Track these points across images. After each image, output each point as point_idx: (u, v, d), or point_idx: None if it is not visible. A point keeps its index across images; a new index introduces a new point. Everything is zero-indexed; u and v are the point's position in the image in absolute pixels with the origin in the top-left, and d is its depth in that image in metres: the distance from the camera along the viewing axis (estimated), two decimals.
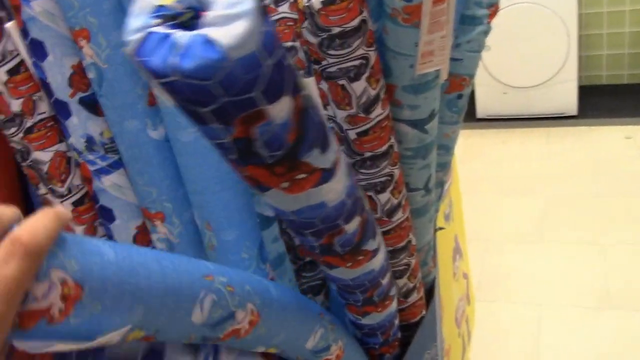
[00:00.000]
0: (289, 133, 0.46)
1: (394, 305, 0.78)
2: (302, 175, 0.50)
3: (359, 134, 0.68)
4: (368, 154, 0.70)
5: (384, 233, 0.77)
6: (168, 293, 0.49)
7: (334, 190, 0.54)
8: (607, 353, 1.76)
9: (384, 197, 0.74)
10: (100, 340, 0.45)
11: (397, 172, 0.73)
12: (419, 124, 0.74)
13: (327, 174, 0.52)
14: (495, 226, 2.44)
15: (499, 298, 2.05)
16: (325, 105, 0.68)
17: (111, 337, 0.45)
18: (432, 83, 0.72)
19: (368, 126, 0.68)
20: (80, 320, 0.42)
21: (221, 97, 0.41)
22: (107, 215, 0.72)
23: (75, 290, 0.41)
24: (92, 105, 0.68)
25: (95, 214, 0.74)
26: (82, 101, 0.68)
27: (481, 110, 3.28)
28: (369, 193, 0.74)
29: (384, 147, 0.70)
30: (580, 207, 2.47)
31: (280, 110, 0.44)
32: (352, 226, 0.59)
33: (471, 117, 3.27)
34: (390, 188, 0.74)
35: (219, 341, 0.58)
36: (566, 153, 2.91)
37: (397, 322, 0.82)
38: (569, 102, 3.16)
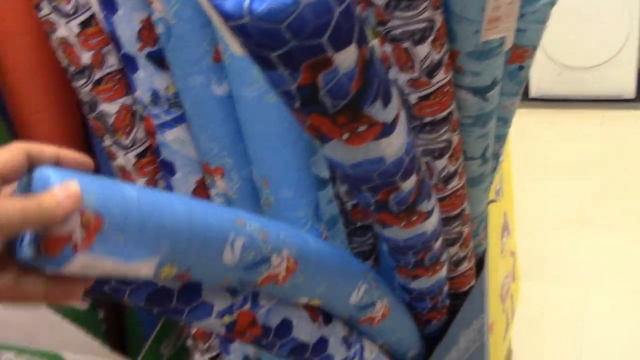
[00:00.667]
0: (353, 83, 0.46)
1: (444, 271, 0.79)
2: (363, 127, 0.50)
3: (420, 98, 0.68)
4: (428, 119, 0.70)
5: (439, 200, 0.77)
6: (194, 231, 0.51)
7: (393, 145, 0.54)
8: None
9: (441, 163, 0.74)
10: (131, 268, 0.46)
11: (455, 138, 0.73)
12: (480, 92, 0.73)
13: (387, 128, 0.52)
14: (544, 207, 2.40)
15: (545, 279, 2.02)
16: (388, 69, 0.68)
17: (141, 267, 0.47)
18: (496, 50, 0.71)
19: (430, 91, 0.67)
20: (105, 249, 0.44)
21: (290, 41, 0.42)
22: (168, 168, 0.74)
23: (95, 221, 0.43)
24: (159, 60, 0.70)
25: (156, 167, 0.76)
26: (149, 56, 0.70)
27: (535, 89, 3.21)
28: (426, 159, 0.74)
29: (444, 113, 0.70)
30: (633, 192, 2.41)
31: (346, 58, 0.45)
32: (409, 184, 0.60)
33: (524, 96, 3.19)
34: (448, 155, 0.74)
35: (257, 287, 0.60)
36: (621, 137, 2.83)
37: (446, 288, 0.82)
38: (627, 85, 3.06)
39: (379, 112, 0.50)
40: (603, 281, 1.98)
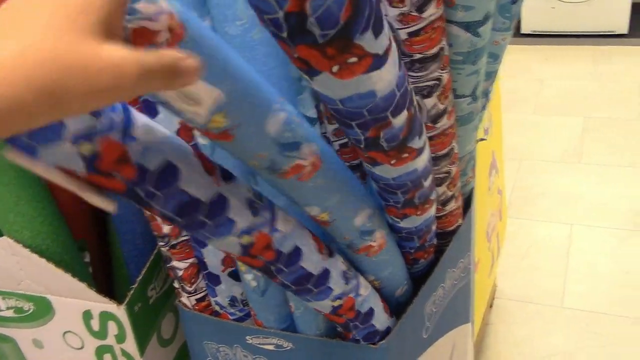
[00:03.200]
0: (343, 10, 0.44)
1: (433, 210, 0.78)
2: (354, 59, 0.48)
3: (410, 34, 0.66)
4: (417, 56, 0.68)
5: (428, 139, 0.76)
6: (251, 84, 0.52)
7: (384, 79, 0.52)
8: (636, 275, 1.76)
9: (430, 101, 0.72)
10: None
11: (445, 76, 0.71)
12: (472, 27, 0.71)
13: (378, 61, 0.50)
14: (533, 145, 2.40)
15: (531, 216, 2.04)
16: (378, 2, 0.66)
17: (203, 96, 0.47)
18: None
19: (420, 26, 0.65)
20: None
21: None
22: (150, 108, 0.72)
23: (179, 29, 0.43)
24: None
25: (139, 108, 0.74)
26: None
27: (526, 25, 3.16)
28: (415, 97, 0.72)
29: (435, 49, 0.68)
30: (622, 129, 2.41)
31: None
32: (399, 121, 0.58)
33: (515, 32, 3.15)
34: (438, 93, 0.72)
35: (282, 177, 0.58)
36: (612, 73, 2.81)
37: (434, 227, 0.82)
38: (620, 19, 3.02)
39: (370, 43, 0.48)
40: (589, 217, 2.00)
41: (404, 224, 0.76)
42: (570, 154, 2.31)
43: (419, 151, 0.65)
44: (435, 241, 0.85)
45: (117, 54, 0.32)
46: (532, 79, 2.85)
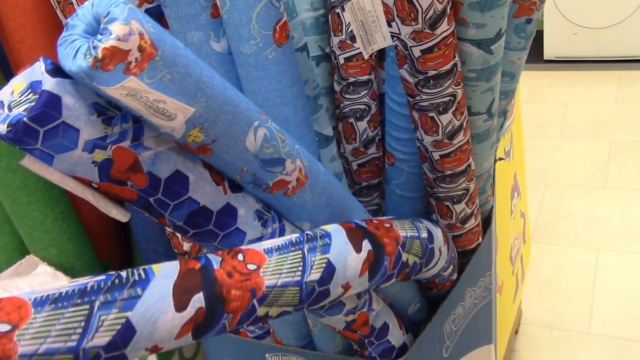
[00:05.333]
0: None
1: (438, 266, 0.78)
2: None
3: (424, 51, 0.67)
4: (432, 72, 0.69)
5: (445, 156, 0.76)
6: (227, 102, 0.52)
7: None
8: None
9: (445, 118, 0.73)
10: (170, 109, 0.47)
11: (459, 92, 0.72)
12: (484, 44, 0.71)
13: None
14: (558, 169, 2.38)
15: (557, 240, 2.02)
16: (390, 22, 0.67)
17: (178, 114, 0.48)
18: (500, 1, 0.69)
19: (433, 43, 0.66)
20: (152, 81, 0.46)
21: None
22: None
23: (150, 48, 0.45)
24: (157, 16, 0.69)
25: None
26: (148, 12, 0.69)
27: (549, 51, 3.15)
28: (431, 114, 0.73)
29: (448, 66, 0.69)
30: None
31: None
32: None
33: (539, 58, 3.15)
34: (452, 109, 0.73)
35: (268, 191, 0.59)
36: (636, 98, 2.79)
37: (446, 273, 0.82)
38: None
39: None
40: (616, 242, 1.97)
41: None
42: (596, 178, 2.29)
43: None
44: (454, 277, 0.85)
45: None
46: (556, 104, 2.84)
